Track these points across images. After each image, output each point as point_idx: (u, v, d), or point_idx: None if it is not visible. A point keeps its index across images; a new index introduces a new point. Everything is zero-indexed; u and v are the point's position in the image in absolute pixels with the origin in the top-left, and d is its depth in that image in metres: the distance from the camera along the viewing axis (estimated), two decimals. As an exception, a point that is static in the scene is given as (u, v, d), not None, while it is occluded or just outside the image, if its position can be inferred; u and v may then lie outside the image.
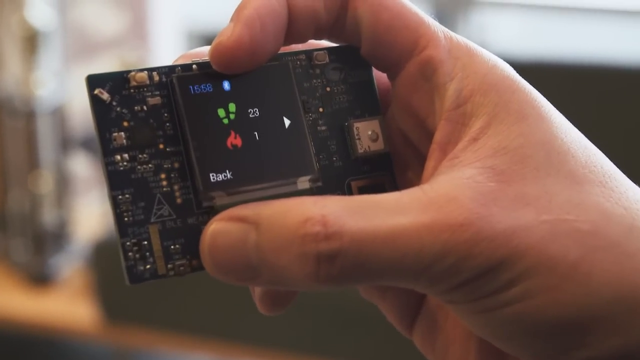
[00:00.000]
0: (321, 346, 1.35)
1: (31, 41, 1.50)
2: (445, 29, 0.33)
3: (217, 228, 0.30)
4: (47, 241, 1.51)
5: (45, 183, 1.52)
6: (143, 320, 1.43)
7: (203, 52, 0.32)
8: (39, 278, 1.50)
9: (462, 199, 0.29)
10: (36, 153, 1.51)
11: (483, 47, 0.33)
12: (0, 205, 1.54)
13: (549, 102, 0.32)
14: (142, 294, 1.40)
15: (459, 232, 0.28)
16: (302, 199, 0.30)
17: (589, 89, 1.44)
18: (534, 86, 0.32)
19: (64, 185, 1.55)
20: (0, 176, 1.53)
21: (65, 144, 1.55)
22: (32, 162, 1.51)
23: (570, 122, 0.32)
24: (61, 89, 1.54)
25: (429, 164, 0.32)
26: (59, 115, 1.53)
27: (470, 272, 0.28)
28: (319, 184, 0.32)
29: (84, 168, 1.65)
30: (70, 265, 1.53)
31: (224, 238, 0.30)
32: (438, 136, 0.31)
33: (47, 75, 1.52)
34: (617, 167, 0.31)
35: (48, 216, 1.52)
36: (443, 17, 1.58)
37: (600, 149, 0.31)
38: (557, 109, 0.32)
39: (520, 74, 0.32)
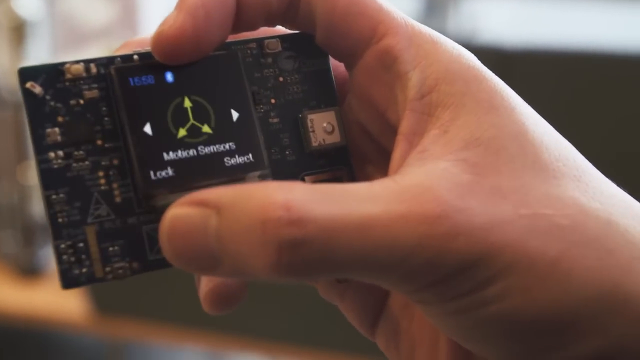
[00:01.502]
0: (314, 338, 1.34)
1: (19, 31, 1.49)
2: (406, 16, 0.31)
3: (177, 213, 0.27)
4: (36, 233, 1.50)
5: (34, 174, 1.51)
6: (133, 312, 1.42)
7: (147, 40, 0.30)
8: (29, 270, 1.50)
9: (438, 189, 0.27)
10: (24, 144, 1.49)
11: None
12: (-11, 197, 1.53)
13: (515, 93, 0.30)
14: (132, 286, 1.39)
15: (435, 225, 0.26)
16: (267, 183, 0.27)
17: (582, 76, 1.43)
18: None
19: (52, 176, 1.54)
20: (-11, 168, 1.53)
21: (54, 134, 1.53)
22: (21, 154, 1.50)
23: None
24: (49, 79, 1.53)
25: (396, 154, 0.30)
26: (47, 105, 1.51)
27: (446, 269, 0.26)
28: (270, 179, 0.31)
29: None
30: (59, 257, 1.52)
31: (184, 223, 0.27)
32: (403, 127, 0.30)
33: (35, 66, 1.51)
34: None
35: (37, 208, 1.51)
36: (434, 6, 1.57)
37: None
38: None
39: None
